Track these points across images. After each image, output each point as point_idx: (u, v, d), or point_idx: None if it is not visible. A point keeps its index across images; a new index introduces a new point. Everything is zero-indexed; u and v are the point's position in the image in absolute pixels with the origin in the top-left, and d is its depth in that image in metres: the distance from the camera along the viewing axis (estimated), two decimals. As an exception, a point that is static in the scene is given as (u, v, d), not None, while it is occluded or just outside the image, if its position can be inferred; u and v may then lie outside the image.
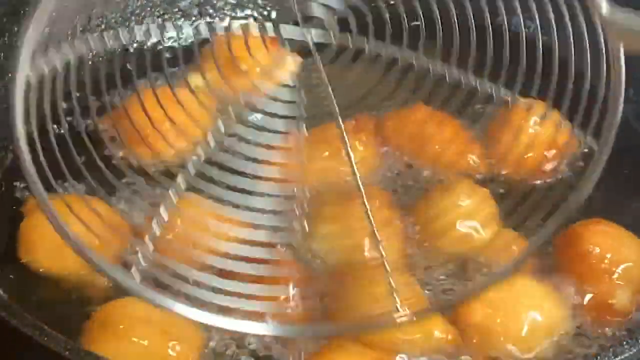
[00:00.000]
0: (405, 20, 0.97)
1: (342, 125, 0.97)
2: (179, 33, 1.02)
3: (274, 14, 1.13)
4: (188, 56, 1.03)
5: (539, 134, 1.07)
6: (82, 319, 1.01)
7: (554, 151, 1.07)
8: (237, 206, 0.94)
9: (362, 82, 1.00)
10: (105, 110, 0.97)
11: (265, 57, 1.07)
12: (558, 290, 1.05)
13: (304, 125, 0.99)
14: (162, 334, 0.98)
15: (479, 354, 1.00)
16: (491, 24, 0.96)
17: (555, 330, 1.03)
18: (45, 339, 0.88)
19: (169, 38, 1.03)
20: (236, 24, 1.08)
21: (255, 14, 1.32)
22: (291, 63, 1.11)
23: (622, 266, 1.06)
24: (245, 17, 1.24)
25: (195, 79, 1.05)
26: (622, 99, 0.80)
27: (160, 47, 1.05)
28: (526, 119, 1.08)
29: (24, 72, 0.77)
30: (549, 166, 1.06)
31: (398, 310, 0.93)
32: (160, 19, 1.32)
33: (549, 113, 1.02)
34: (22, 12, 1.21)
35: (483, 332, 1.00)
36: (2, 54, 1.20)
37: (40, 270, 1.08)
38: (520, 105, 1.07)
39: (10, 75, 0.77)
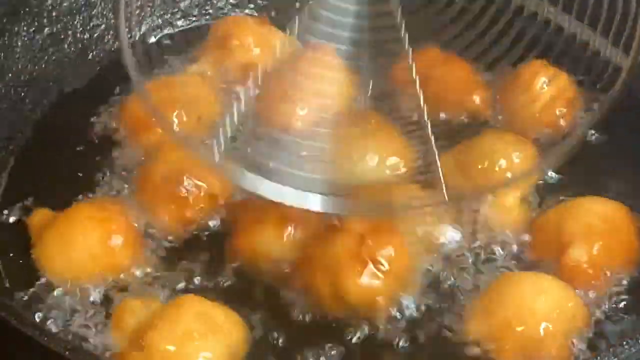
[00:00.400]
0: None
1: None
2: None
3: (274, 13, 1.14)
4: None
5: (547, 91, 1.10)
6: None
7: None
8: None
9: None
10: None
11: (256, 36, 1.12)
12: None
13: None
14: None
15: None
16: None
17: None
18: (45, 339, 0.88)
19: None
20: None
21: (255, 14, 1.33)
22: (281, 38, 1.12)
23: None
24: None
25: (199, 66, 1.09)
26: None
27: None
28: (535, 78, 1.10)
29: None
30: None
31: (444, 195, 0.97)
32: (160, 19, 1.32)
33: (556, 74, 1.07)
34: (22, 12, 1.21)
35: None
36: (2, 54, 1.20)
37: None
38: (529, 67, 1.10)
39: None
